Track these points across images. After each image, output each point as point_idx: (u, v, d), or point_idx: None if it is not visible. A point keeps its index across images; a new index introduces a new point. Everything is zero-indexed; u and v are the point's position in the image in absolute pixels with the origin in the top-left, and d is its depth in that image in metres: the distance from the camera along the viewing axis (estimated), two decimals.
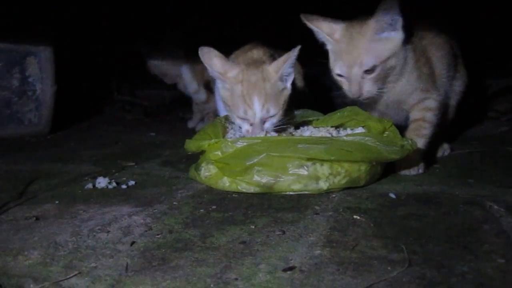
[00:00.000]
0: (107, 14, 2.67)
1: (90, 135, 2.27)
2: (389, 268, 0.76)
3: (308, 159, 1.17)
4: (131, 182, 1.33)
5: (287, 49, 1.36)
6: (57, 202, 1.16)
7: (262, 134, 1.30)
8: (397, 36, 1.27)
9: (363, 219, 1.00)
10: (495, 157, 1.59)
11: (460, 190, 1.20)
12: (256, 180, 1.18)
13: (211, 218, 1.03)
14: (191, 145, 1.29)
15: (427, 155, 1.45)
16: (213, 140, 1.24)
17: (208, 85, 2.29)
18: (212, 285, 0.72)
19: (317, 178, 1.17)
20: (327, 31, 1.33)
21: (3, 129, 2.10)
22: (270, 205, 1.12)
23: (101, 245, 0.88)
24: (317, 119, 1.44)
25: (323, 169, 1.17)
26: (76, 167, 1.55)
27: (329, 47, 1.36)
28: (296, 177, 1.17)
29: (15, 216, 1.05)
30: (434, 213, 1.03)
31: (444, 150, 1.63)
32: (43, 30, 2.16)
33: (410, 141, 1.24)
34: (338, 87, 1.35)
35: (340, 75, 1.32)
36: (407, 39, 1.31)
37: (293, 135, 1.39)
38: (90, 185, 1.29)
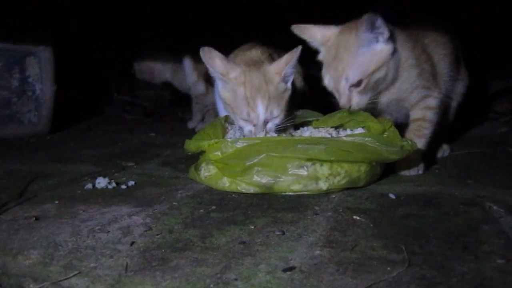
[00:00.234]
0: (107, 15, 2.67)
1: (90, 135, 2.27)
2: (389, 268, 0.76)
3: (308, 160, 1.17)
4: (131, 182, 1.33)
5: (284, 47, 1.36)
6: (56, 202, 1.16)
7: (262, 134, 1.30)
8: (384, 48, 1.25)
9: (363, 219, 1.00)
10: (495, 157, 1.59)
11: (459, 191, 1.20)
12: (256, 180, 1.18)
13: (211, 218, 1.03)
14: (191, 145, 1.29)
15: (427, 156, 1.45)
16: (213, 141, 1.24)
17: (207, 79, 2.32)
18: (211, 285, 0.72)
19: (316, 179, 1.17)
20: (321, 39, 1.32)
21: (2, 129, 2.10)
22: (270, 205, 1.12)
23: (100, 245, 0.88)
24: (317, 120, 1.44)
25: (323, 170, 1.17)
26: (75, 167, 1.55)
27: (320, 56, 1.35)
28: (296, 177, 1.17)
29: (14, 216, 1.05)
30: (433, 214, 1.03)
31: (444, 150, 1.63)
32: (43, 30, 2.16)
33: (410, 142, 1.24)
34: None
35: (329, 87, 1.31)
36: (403, 44, 1.30)
37: (293, 135, 1.39)
38: (89, 185, 1.29)
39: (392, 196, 1.16)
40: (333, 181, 1.18)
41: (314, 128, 1.43)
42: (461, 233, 0.91)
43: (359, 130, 1.33)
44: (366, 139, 1.19)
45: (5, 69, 2.08)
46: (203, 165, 1.29)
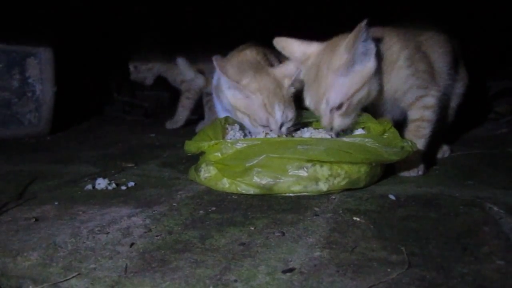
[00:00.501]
0: (107, 15, 2.67)
1: (90, 136, 2.27)
2: (388, 269, 0.76)
3: (308, 161, 1.17)
4: (131, 183, 1.33)
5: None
6: (56, 203, 1.16)
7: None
8: (369, 65, 1.22)
9: (363, 220, 1.00)
10: (495, 158, 1.59)
11: (460, 192, 1.20)
12: (255, 181, 1.18)
13: (210, 220, 1.03)
14: (191, 146, 1.29)
15: (427, 157, 1.45)
16: (212, 141, 1.24)
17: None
18: (211, 287, 0.72)
19: (316, 180, 1.17)
20: (300, 57, 1.30)
21: (3, 130, 2.10)
22: (270, 206, 1.11)
23: (100, 246, 0.88)
24: (317, 121, 1.44)
25: (323, 171, 1.17)
26: (75, 168, 1.55)
27: (301, 75, 1.34)
28: (296, 178, 1.17)
29: (14, 217, 1.05)
30: (434, 215, 1.03)
31: (444, 151, 1.62)
32: (43, 31, 2.16)
33: (410, 143, 1.23)
34: None
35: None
36: (379, 65, 1.26)
37: (293, 136, 1.39)
38: (89, 186, 1.29)
39: (392, 197, 1.16)
40: (333, 182, 1.18)
41: (314, 129, 1.43)
42: (461, 234, 0.91)
43: (359, 131, 1.33)
44: (366, 140, 1.19)
45: (5, 70, 2.08)
46: (203, 166, 1.29)
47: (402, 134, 1.32)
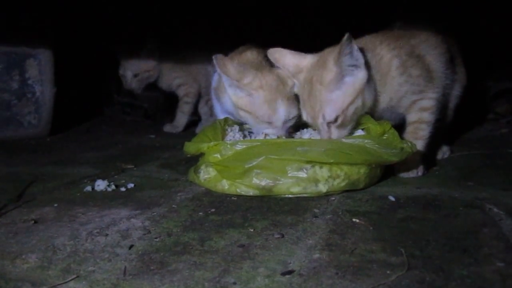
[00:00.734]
0: (107, 16, 2.67)
1: (90, 137, 2.27)
2: (388, 272, 0.76)
3: (307, 162, 1.16)
4: (130, 185, 1.32)
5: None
6: (55, 205, 1.16)
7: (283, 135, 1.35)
8: (359, 76, 1.22)
9: (362, 222, 1.00)
10: (495, 159, 1.58)
11: (459, 193, 1.20)
12: (255, 183, 1.18)
13: (210, 221, 1.03)
14: (190, 147, 1.29)
15: (427, 158, 1.45)
16: (212, 143, 1.24)
17: None
18: None
19: (316, 181, 1.17)
20: (294, 71, 1.31)
21: (2, 131, 2.10)
22: (269, 208, 1.11)
23: (99, 248, 0.88)
24: None
25: (323, 172, 1.17)
26: (75, 170, 1.55)
27: (295, 89, 1.34)
28: (295, 179, 1.17)
29: (13, 219, 1.05)
30: (433, 216, 1.03)
31: (444, 152, 1.62)
32: (43, 32, 2.16)
33: (409, 144, 1.23)
34: None
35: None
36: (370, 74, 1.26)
37: (292, 137, 1.39)
38: (89, 188, 1.29)
39: (391, 198, 1.16)
40: (332, 183, 1.18)
41: (314, 130, 1.42)
42: (461, 236, 0.91)
43: (359, 132, 1.33)
44: (366, 141, 1.19)
45: (5, 71, 2.08)
46: (202, 167, 1.28)
47: (401, 135, 1.32)
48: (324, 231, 0.95)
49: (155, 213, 1.08)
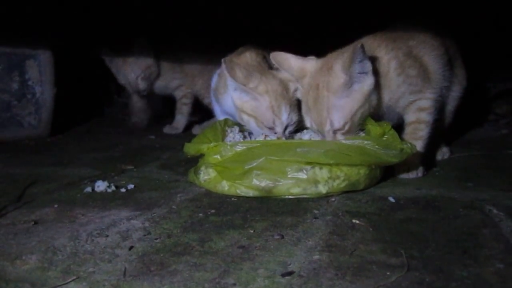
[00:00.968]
0: (106, 17, 2.67)
1: (90, 138, 2.27)
2: (388, 273, 0.76)
3: (307, 163, 1.16)
4: (130, 186, 1.32)
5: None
6: (55, 206, 1.16)
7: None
8: (367, 83, 1.22)
9: (362, 223, 1.00)
10: (495, 160, 1.58)
11: (459, 194, 1.20)
12: (255, 184, 1.18)
13: (210, 222, 1.03)
14: (190, 148, 1.29)
15: (426, 159, 1.45)
16: (212, 144, 1.24)
17: None
18: None
19: (316, 182, 1.17)
20: (298, 74, 1.30)
21: (2, 132, 2.10)
22: (269, 209, 1.11)
23: (99, 249, 0.88)
24: None
25: (322, 173, 1.17)
26: (75, 171, 1.55)
27: (298, 94, 1.34)
28: (295, 180, 1.17)
29: (13, 220, 1.05)
30: (433, 217, 1.03)
31: (444, 153, 1.62)
32: (43, 33, 2.16)
33: (409, 145, 1.23)
34: None
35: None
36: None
37: (292, 138, 1.39)
38: (89, 189, 1.29)
39: (391, 199, 1.16)
40: (332, 184, 1.18)
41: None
42: (461, 237, 0.91)
43: (359, 133, 1.33)
44: (366, 142, 1.19)
45: (5, 72, 2.08)
46: (202, 168, 1.28)
47: (400, 136, 1.32)
48: (324, 232, 0.95)
49: (155, 214, 1.08)
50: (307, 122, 1.30)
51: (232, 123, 1.47)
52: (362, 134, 1.31)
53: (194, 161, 1.38)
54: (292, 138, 1.40)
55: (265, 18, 2.57)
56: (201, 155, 1.29)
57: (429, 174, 1.42)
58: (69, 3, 2.46)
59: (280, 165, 1.17)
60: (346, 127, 1.24)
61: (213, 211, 1.11)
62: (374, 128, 1.28)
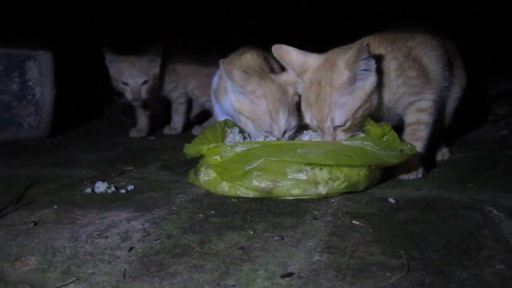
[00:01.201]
0: (106, 18, 2.68)
1: (90, 139, 2.26)
2: (388, 274, 0.76)
3: (307, 164, 1.16)
4: (130, 187, 1.32)
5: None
6: (55, 207, 1.16)
7: None
8: (370, 81, 1.22)
9: (362, 224, 1.00)
10: (495, 161, 1.58)
11: (459, 195, 1.20)
12: (255, 184, 1.18)
13: (209, 223, 1.03)
14: (190, 149, 1.29)
15: (426, 159, 1.45)
16: (212, 145, 1.24)
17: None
18: None
19: (316, 183, 1.17)
20: (298, 69, 1.29)
21: (2, 133, 2.10)
22: (269, 210, 1.11)
23: (99, 250, 0.88)
24: None
25: (322, 174, 1.17)
26: (75, 171, 1.55)
27: (299, 88, 1.33)
28: (295, 181, 1.17)
29: (13, 221, 1.05)
30: (433, 218, 1.03)
31: (444, 154, 1.62)
32: (43, 34, 2.16)
33: (409, 146, 1.23)
34: None
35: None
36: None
37: (292, 139, 1.39)
38: (89, 190, 1.29)
39: (391, 200, 1.16)
40: (332, 185, 1.18)
41: (314, 132, 1.42)
42: (461, 238, 0.91)
43: (359, 134, 1.33)
44: (366, 143, 1.19)
45: (5, 73, 2.08)
46: (202, 169, 1.28)
47: (400, 137, 1.32)
48: (324, 233, 0.95)
49: (155, 215, 1.08)
50: (307, 118, 1.30)
51: (232, 123, 1.47)
52: (362, 135, 1.31)
53: (194, 162, 1.38)
54: (292, 139, 1.40)
55: (265, 18, 2.58)
56: (201, 156, 1.29)
57: (429, 175, 1.41)
58: (69, 4, 2.46)
59: (280, 166, 1.17)
60: (347, 124, 1.23)
61: (213, 212, 1.11)
62: (374, 129, 1.28)
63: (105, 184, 1.31)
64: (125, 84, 2.17)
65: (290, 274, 0.76)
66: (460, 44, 1.59)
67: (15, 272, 0.80)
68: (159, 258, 0.84)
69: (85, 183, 1.39)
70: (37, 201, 1.21)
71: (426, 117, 1.37)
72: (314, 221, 1.03)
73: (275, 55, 1.32)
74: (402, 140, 1.30)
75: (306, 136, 1.39)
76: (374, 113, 1.31)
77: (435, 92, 1.38)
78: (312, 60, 1.29)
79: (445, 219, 1.02)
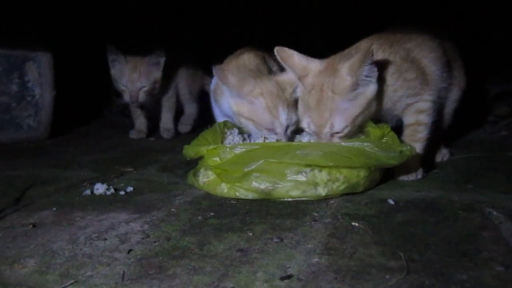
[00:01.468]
0: (106, 19, 2.68)
1: (89, 140, 2.26)
2: (387, 276, 0.76)
3: (307, 165, 1.16)
4: (129, 188, 1.32)
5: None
6: (54, 208, 1.16)
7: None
8: (371, 88, 1.22)
9: (362, 225, 1.00)
10: (495, 162, 1.58)
11: (459, 196, 1.20)
12: (254, 186, 1.18)
13: (209, 225, 1.02)
14: (190, 150, 1.29)
15: (426, 160, 1.45)
16: (211, 146, 1.24)
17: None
18: None
19: (315, 184, 1.17)
20: (300, 73, 1.28)
21: (1, 134, 2.10)
22: (268, 211, 1.11)
23: (97, 253, 0.88)
24: None
25: (322, 175, 1.17)
26: (74, 173, 1.55)
27: (298, 92, 1.33)
28: (295, 183, 1.17)
29: (11, 223, 1.05)
30: (433, 220, 1.03)
31: (443, 155, 1.62)
32: (42, 35, 2.16)
33: (409, 147, 1.23)
34: None
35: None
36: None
37: (292, 140, 1.39)
38: (88, 191, 1.29)
39: (391, 201, 1.16)
40: (332, 186, 1.17)
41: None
42: (461, 240, 0.91)
43: (358, 135, 1.33)
44: (365, 144, 1.19)
45: (5, 74, 2.08)
46: (201, 170, 1.28)
47: (399, 138, 1.32)
48: (323, 235, 0.95)
49: (154, 217, 1.08)
50: (304, 123, 1.29)
51: (232, 125, 1.47)
52: (361, 136, 1.31)
53: (194, 164, 1.38)
54: (292, 140, 1.39)
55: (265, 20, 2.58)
56: (201, 158, 1.29)
57: (429, 176, 1.41)
58: (69, 5, 2.46)
59: (279, 168, 1.17)
60: (345, 131, 1.23)
61: (212, 213, 1.10)
62: (373, 130, 1.28)
63: (104, 186, 1.30)
64: (124, 85, 2.16)
65: (289, 276, 0.76)
66: (459, 45, 1.59)
67: (14, 274, 0.79)
68: (158, 260, 0.84)
69: (84, 184, 1.39)
70: (36, 203, 1.21)
71: (425, 118, 1.37)
72: (313, 222, 1.02)
73: (278, 57, 1.32)
74: (401, 141, 1.30)
75: (305, 138, 1.39)
76: (373, 115, 1.31)
77: (434, 93, 1.38)
78: (314, 65, 1.29)
79: (445, 220, 1.02)
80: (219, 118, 1.58)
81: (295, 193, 1.17)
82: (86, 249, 0.90)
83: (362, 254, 0.85)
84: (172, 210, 1.14)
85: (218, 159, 1.21)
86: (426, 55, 1.38)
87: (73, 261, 0.84)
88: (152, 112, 2.41)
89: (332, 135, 1.24)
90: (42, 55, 2.15)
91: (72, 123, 2.57)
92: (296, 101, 1.36)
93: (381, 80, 1.27)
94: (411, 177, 1.36)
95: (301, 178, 1.16)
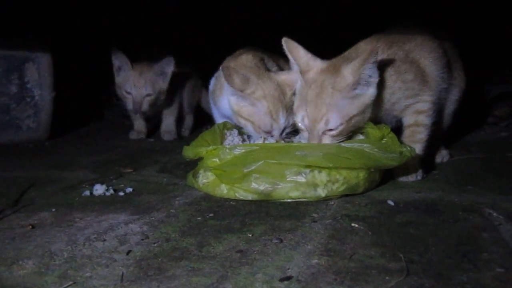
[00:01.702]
0: (106, 19, 2.68)
1: (89, 141, 2.26)
2: (387, 277, 0.76)
3: (306, 166, 1.16)
4: (129, 189, 1.32)
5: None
6: (53, 209, 1.15)
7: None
8: (370, 92, 1.23)
9: (361, 227, 0.99)
10: (495, 163, 1.58)
11: (459, 197, 1.20)
12: (254, 187, 1.17)
13: (208, 226, 1.02)
14: (189, 151, 1.29)
15: (426, 161, 1.44)
16: (211, 147, 1.24)
17: None
18: None
19: (315, 185, 1.17)
20: (303, 67, 1.28)
21: (1, 135, 2.09)
22: (268, 212, 1.11)
23: (96, 254, 0.88)
24: None
25: (321, 176, 1.16)
26: (73, 174, 1.55)
27: (297, 86, 1.33)
28: (294, 184, 1.17)
29: (10, 224, 1.05)
30: (432, 221, 1.02)
31: (443, 156, 1.62)
32: (42, 36, 2.16)
33: (408, 148, 1.23)
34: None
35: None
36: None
37: (291, 141, 1.38)
38: (87, 192, 1.29)
39: (391, 203, 1.16)
40: (331, 187, 1.17)
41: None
42: (460, 241, 0.91)
43: (358, 136, 1.33)
44: (365, 145, 1.19)
45: (4, 75, 2.07)
46: (201, 171, 1.28)
47: (399, 138, 1.31)
48: (322, 236, 0.94)
49: (153, 218, 1.08)
50: (298, 117, 1.28)
51: (231, 126, 1.47)
52: (361, 137, 1.31)
53: (193, 164, 1.38)
54: (291, 140, 1.39)
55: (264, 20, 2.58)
56: (200, 158, 1.29)
57: (429, 177, 1.41)
58: (68, 5, 2.46)
59: (279, 169, 1.17)
60: (339, 129, 1.22)
61: (211, 215, 1.10)
62: (373, 131, 1.28)
63: (104, 187, 1.30)
64: (128, 93, 2.10)
65: (288, 278, 0.76)
66: (459, 45, 1.59)
67: (12, 275, 0.79)
68: (157, 261, 0.84)
69: (84, 185, 1.38)
70: (35, 204, 1.21)
71: (425, 119, 1.36)
72: (313, 223, 1.02)
73: (284, 47, 1.31)
74: (401, 142, 1.30)
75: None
76: (372, 116, 1.30)
77: (433, 94, 1.37)
78: (317, 63, 1.29)
79: (445, 221, 1.02)
80: (218, 119, 1.58)
81: (295, 194, 1.17)
82: (85, 250, 0.89)
83: (362, 255, 0.85)
84: (172, 211, 1.14)
85: (217, 160, 1.21)
86: (426, 55, 1.37)
87: (72, 262, 0.84)
88: (152, 120, 2.40)
89: (324, 132, 1.23)
90: (42, 56, 2.15)
91: (71, 124, 2.57)
92: (293, 104, 1.36)
93: (379, 82, 1.27)
94: (411, 178, 1.36)
95: (301, 179, 1.16)
